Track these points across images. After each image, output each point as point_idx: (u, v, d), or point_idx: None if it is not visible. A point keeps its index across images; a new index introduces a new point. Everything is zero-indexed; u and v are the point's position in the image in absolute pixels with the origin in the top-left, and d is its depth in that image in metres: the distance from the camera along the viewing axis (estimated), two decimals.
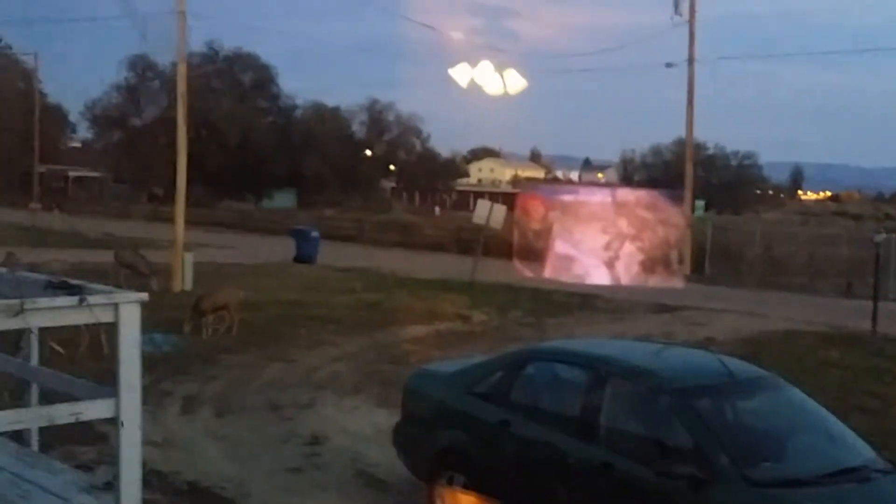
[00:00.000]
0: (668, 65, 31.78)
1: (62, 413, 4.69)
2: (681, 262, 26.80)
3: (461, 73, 24.88)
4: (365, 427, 9.77)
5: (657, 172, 69.90)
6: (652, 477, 5.73)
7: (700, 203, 36.95)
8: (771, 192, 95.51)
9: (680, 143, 46.66)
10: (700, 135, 63.24)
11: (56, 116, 63.75)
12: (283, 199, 60.48)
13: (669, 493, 5.66)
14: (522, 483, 6.56)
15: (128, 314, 4.56)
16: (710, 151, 75.53)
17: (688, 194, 31.23)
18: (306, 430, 9.66)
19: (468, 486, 6.80)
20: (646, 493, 5.81)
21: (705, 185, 56.65)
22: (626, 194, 28.86)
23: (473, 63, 25.19)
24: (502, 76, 25.39)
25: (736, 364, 6.83)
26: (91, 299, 4.50)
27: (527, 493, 6.51)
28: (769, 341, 15.78)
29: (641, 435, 6.27)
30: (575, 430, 6.35)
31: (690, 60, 30.75)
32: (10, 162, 52.29)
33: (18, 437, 5.55)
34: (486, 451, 6.79)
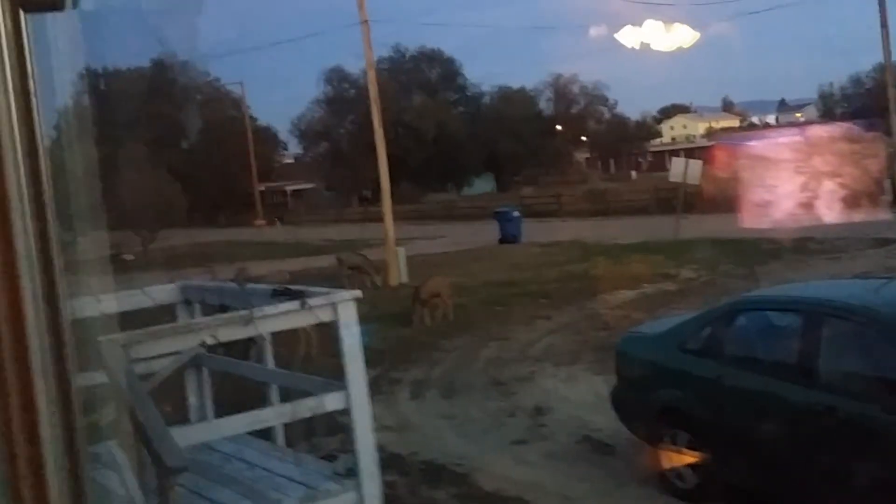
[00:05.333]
0: None
1: (302, 408, 5.20)
2: (893, 191, 25.07)
3: (628, 36, 24.39)
4: (585, 395, 9.92)
5: (859, 103, 64.68)
6: (881, 415, 5.56)
7: None
8: None
9: (879, 69, 43.02)
10: None
11: (267, 137, 67.89)
12: (482, 185, 61.42)
13: None
14: (745, 434, 6.51)
15: (345, 311, 4.99)
16: None
17: (893, 120, 29.15)
18: (529, 402, 9.94)
19: (692, 444, 6.82)
20: (874, 433, 5.63)
21: None
22: (818, 130, 27.29)
23: (639, 24, 24.64)
24: (670, 32, 24.63)
25: None
26: (311, 301, 4.97)
27: (750, 445, 6.45)
28: None
29: (865, 374, 6.07)
30: (794, 376, 6.23)
31: None
32: (233, 185, 56.21)
33: (266, 434, 6.12)
34: (705, 406, 6.78)
